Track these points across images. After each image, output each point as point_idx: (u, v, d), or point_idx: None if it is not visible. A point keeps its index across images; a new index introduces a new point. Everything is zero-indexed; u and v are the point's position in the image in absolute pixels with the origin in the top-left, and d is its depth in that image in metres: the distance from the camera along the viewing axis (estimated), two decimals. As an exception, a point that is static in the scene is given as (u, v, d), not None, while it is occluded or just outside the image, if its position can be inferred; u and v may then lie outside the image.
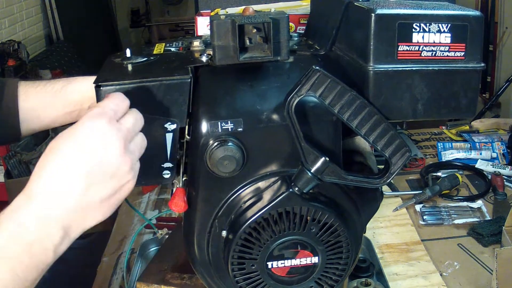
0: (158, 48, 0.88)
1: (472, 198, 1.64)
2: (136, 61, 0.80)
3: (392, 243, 1.43)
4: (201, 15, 1.38)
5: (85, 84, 0.84)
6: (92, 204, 0.61)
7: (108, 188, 0.62)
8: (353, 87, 0.70)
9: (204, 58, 0.80)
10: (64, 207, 0.59)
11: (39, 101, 0.86)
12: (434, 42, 0.71)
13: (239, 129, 0.73)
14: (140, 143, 0.67)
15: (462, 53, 0.72)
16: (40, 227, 0.58)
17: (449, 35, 0.71)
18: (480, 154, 1.90)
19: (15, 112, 0.84)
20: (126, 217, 1.63)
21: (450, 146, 1.96)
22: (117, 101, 0.66)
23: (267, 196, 0.75)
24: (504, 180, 1.71)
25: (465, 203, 1.61)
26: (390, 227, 1.50)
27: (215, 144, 0.73)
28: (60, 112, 0.86)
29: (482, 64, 0.73)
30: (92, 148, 0.60)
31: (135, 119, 0.67)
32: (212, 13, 1.36)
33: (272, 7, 1.34)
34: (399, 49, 0.71)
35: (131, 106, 0.70)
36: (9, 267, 0.56)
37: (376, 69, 0.71)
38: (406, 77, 0.72)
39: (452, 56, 0.72)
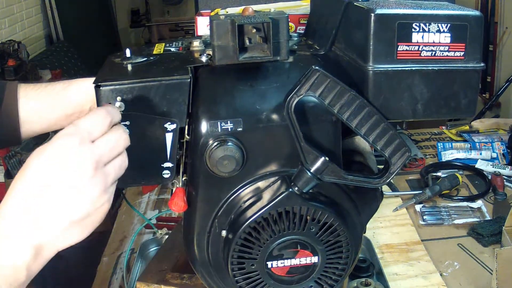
0: (158, 48, 0.88)
1: (472, 198, 1.64)
2: (136, 61, 0.80)
3: (392, 243, 1.43)
4: (201, 15, 1.38)
5: (84, 86, 0.84)
6: (62, 225, 0.60)
7: (79, 211, 0.60)
8: (353, 87, 0.70)
9: (203, 58, 0.80)
10: (34, 227, 0.58)
11: (40, 103, 0.85)
12: (433, 42, 0.71)
13: (239, 129, 0.73)
14: (119, 164, 0.65)
15: (462, 53, 0.72)
16: (9, 245, 0.57)
17: (448, 35, 0.71)
18: (480, 154, 1.90)
19: (15, 115, 0.84)
20: (126, 217, 1.63)
21: (450, 146, 1.96)
22: (95, 120, 0.63)
23: (266, 196, 0.75)
24: (504, 180, 1.71)
25: (465, 203, 1.61)
26: (390, 227, 1.50)
27: (215, 144, 0.72)
28: (60, 115, 0.85)
29: (482, 64, 0.73)
30: (60, 169, 0.59)
31: (116, 139, 0.64)
32: (212, 13, 1.36)
33: (272, 7, 1.34)
34: (398, 49, 0.71)
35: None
36: None
37: (375, 69, 0.71)
38: (406, 77, 0.72)
39: (451, 56, 0.72)
